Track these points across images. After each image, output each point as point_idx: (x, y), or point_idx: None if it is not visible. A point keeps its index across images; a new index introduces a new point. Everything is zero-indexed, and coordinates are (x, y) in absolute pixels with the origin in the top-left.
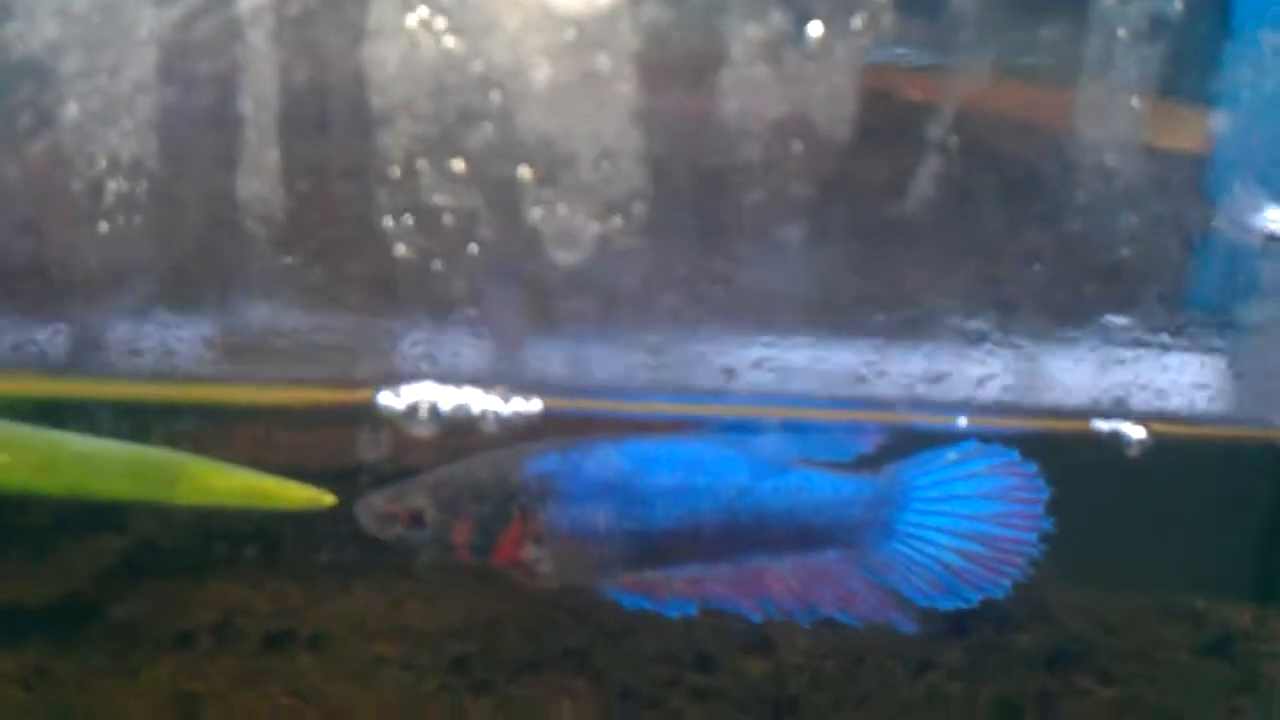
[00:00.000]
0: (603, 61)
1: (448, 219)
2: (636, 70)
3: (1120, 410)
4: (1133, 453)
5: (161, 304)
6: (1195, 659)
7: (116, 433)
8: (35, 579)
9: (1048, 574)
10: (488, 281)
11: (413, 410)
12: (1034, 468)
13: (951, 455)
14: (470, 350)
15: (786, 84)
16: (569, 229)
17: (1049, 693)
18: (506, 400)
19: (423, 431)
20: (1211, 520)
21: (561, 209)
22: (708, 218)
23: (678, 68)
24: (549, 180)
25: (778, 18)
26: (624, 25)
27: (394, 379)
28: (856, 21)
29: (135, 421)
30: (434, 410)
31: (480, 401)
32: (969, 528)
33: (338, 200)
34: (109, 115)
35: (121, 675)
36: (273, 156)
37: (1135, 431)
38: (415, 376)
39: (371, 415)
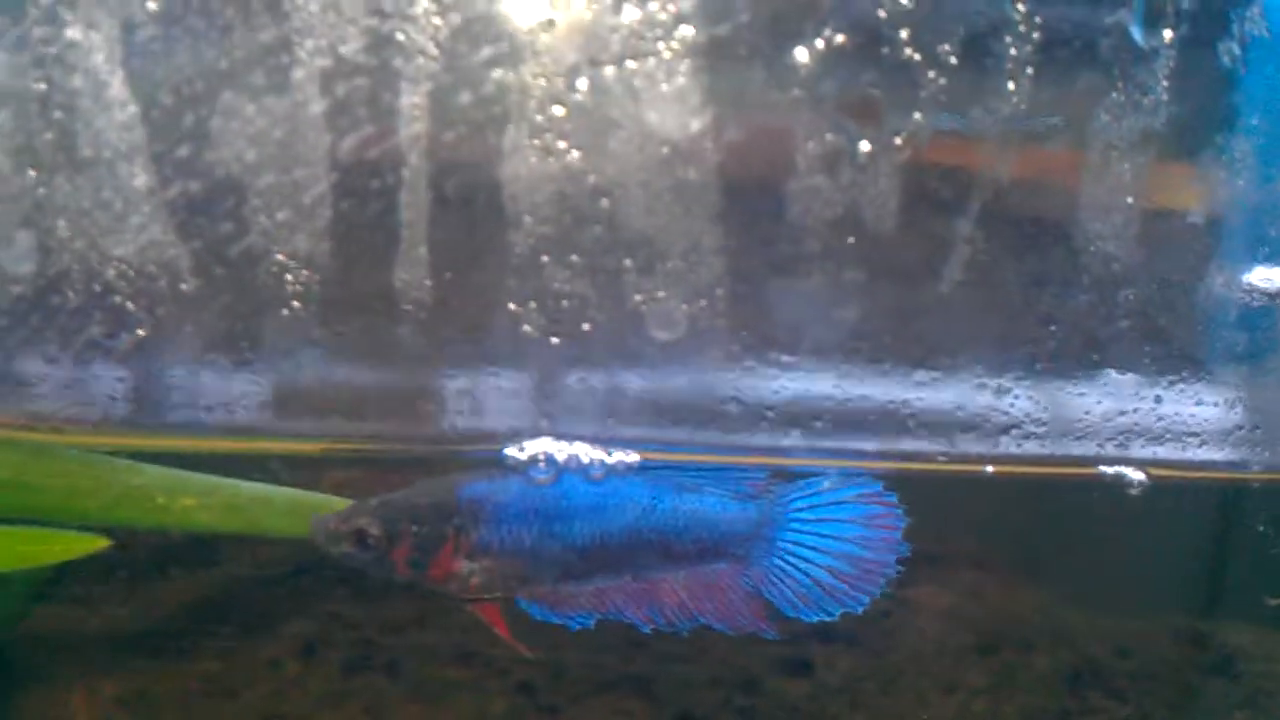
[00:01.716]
0: (691, 174)
1: (565, 303)
2: (717, 179)
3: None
4: (1135, 493)
5: (333, 370)
6: (1201, 677)
7: (286, 480)
8: (136, 608)
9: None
10: (599, 354)
11: (533, 460)
12: (895, 497)
13: (826, 484)
14: (581, 410)
15: (840, 191)
16: (664, 311)
17: (1068, 710)
18: (610, 453)
19: (541, 479)
20: (1209, 551)
21: (659, 294)
22: (775, 299)
23: (750, 175)
24: (647, 270)
25: (830, 139)
26: (708, 144)
27: (519, 435)
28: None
29: (305, 471)
30: (550, 460)
31: (589, 453)
32: (837, 548)
33: (477, 287)
34: (293, 222)
35: (217, 698)
36: (423, 252)
37: (1136, 475)
38: (536, 433)
39: (500, 465)
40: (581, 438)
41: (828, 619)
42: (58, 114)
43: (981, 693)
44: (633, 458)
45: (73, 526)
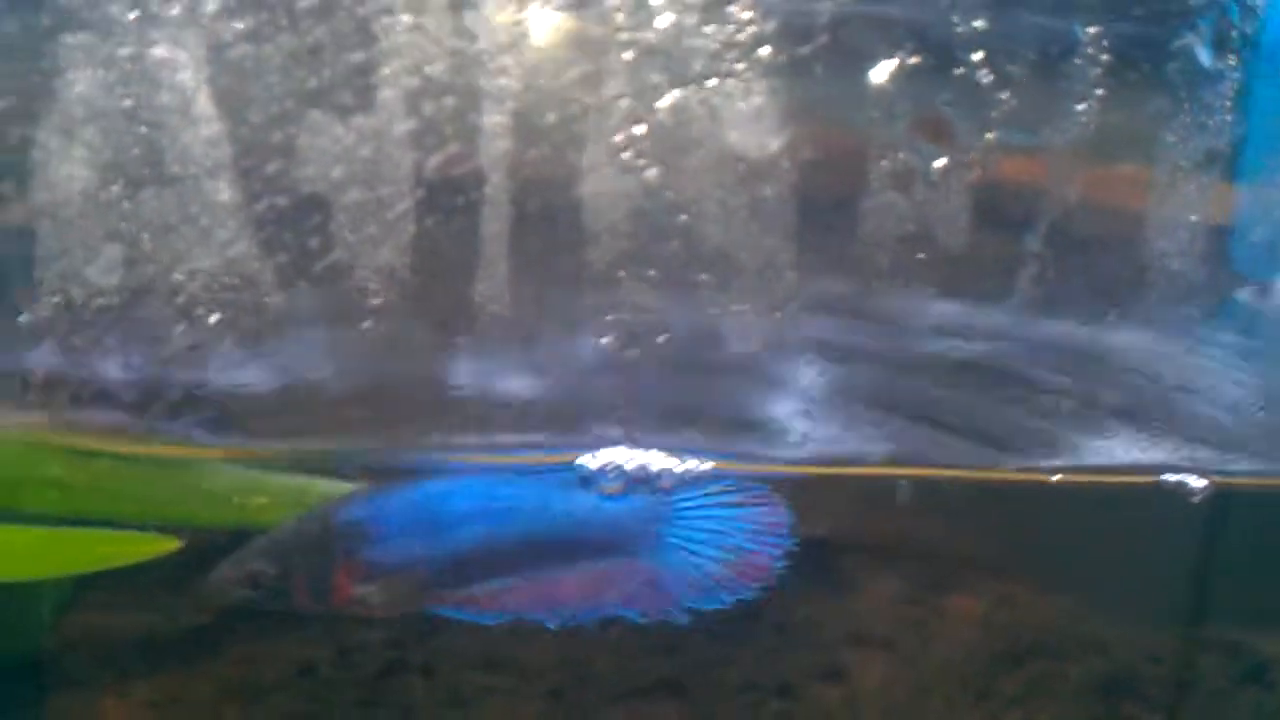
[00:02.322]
0: (767, 190)
1: (643, 316)
2: (793, 196)
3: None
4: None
5: (411, 380)
6: (1234, 687)
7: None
8: (165, 613)
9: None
10: (673, 366)
11: (603, 469)
12: (779, 500)
13: (715, 487)
14: (656, 419)
15: (913, 207)
16: (740, 324)
17: (1100, 719)
18: (682, 461)
19: (611, 487)
20: (1243, 559)
21: (734, 308)
22: (852, 314)
23: (826, 191)
24: (723, 285)
25: (903, 157)
26: (784, 162)
27: (593, 444)
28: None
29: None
30: (619, 470)
31: (660, 462)
32: (725, 543)
33: (557, 301)
34: (376, 238)
35: (248, 701)
36: (506, 267)
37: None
38: (609, 442)
39: (571, 474)
40: (654, 446)
41: (720, 608)
42: (143, 130)
43: (1015, 701)
44: (705, 466)
45: (149, 528)
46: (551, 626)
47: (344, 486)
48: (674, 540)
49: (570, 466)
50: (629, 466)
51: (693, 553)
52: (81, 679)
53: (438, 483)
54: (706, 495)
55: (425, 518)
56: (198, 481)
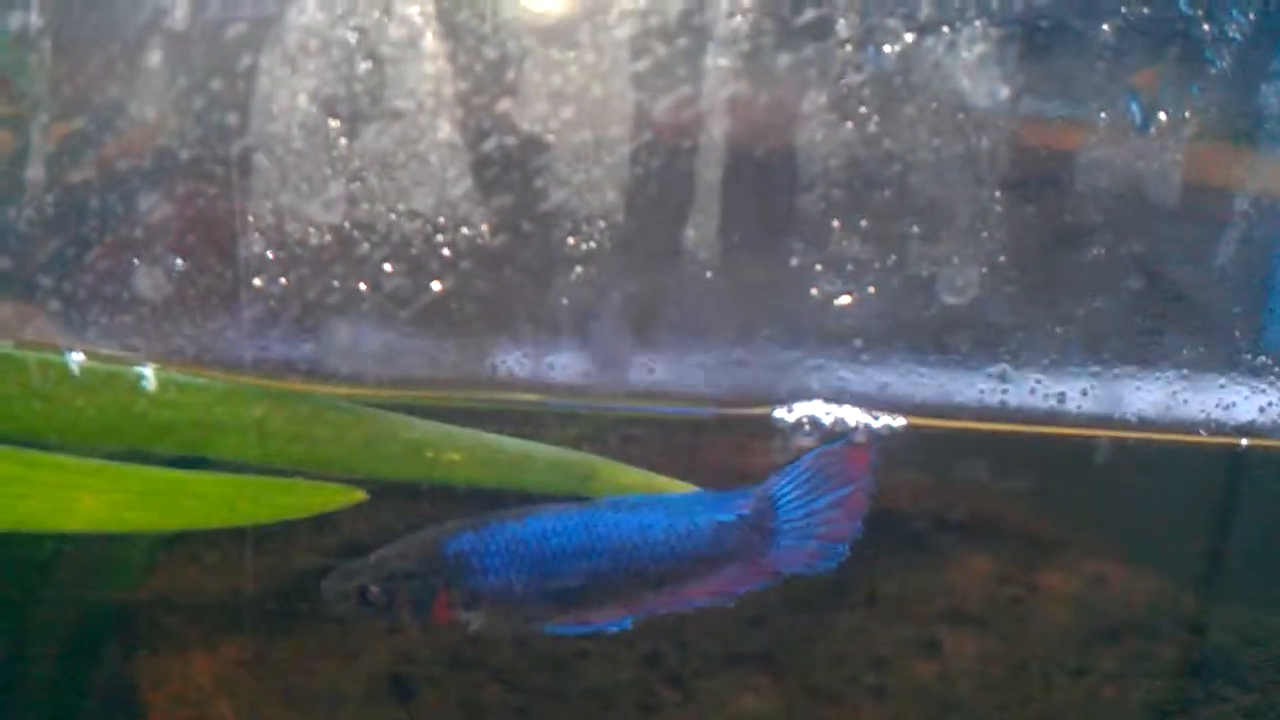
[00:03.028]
0: (982, 143)
1: (850, 267)
2: (1006, 149)
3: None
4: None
5: (615, 328)
6: None
7: (564, 439)
8: (255, 571)
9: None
10: (880, 318)
11: (799, 424)
12: (853, 439)
13: (802, 465)
14: (857, 374)
15: (1126, 163)
16: (952, 276)
17: (1193, 698)
18: (876, 418)
19: (806, 442)
20: None
21: (950, 259)
22: (1057, 269)
23: (1029, 149)
24: (932, 237)
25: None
26: (1000, 116)
27: (790, 397)
28: None
29: (580, 428)
30: (816, 424)
31: (856, 418)
32: (825, 501)
33: (765, 251)
34: (594, 181)
35: (337, 660)
36: (716, 215)
37: None
38: (807, 395)
39: (767, 427)
40: (851, 401)
41: (836, 562)
42: (367, 65)
43: (1109, 678)
44: (899, 422)
45: (337, 479)
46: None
47: (537, 446)
48: (782, 531)
49: (772, 421)
50: (826, 420)
51: (804, 530)
52: (173, 636)
53: (540, 519)
54: (797, 476)
55: (527, 553)
56: (393, 432)
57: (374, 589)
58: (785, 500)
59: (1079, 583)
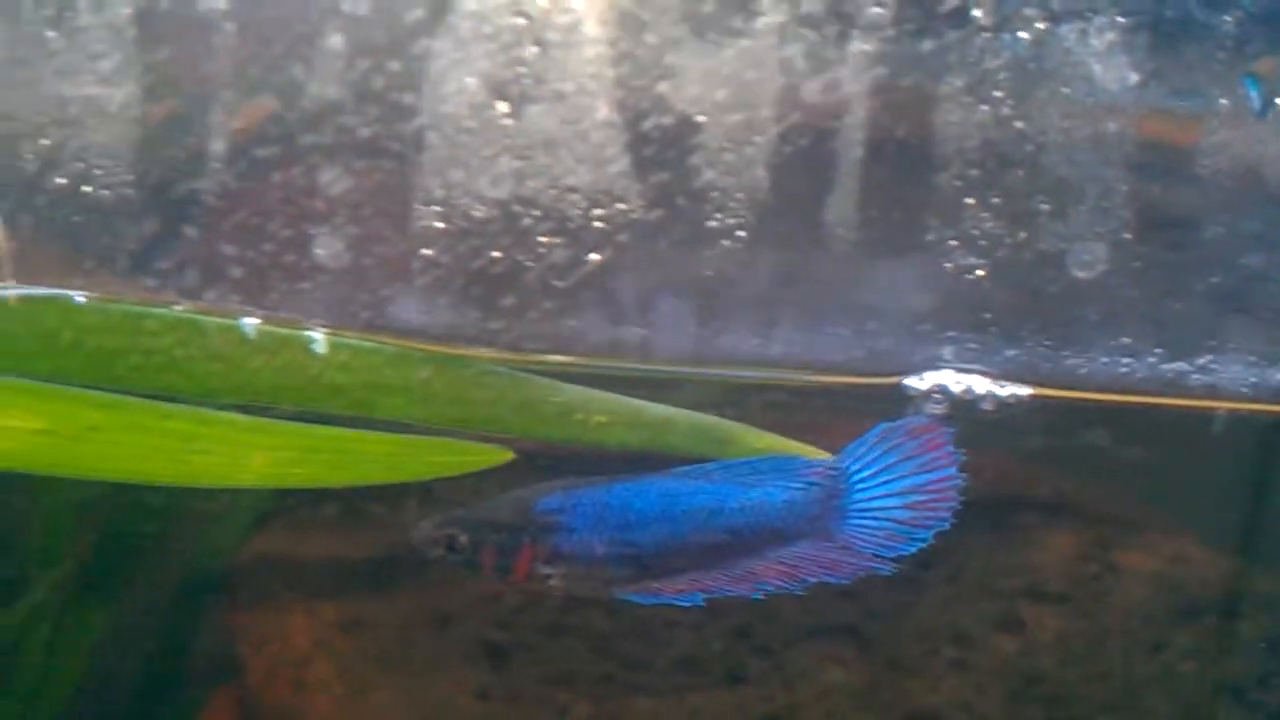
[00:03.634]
0: (1109, 126)
1: (983, 242)
2: (1132, 132)
3: None
4: None
5: (757, 305)
6: None
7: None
8: (352, 538)
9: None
10: (1006, 291)
11: (928, 393)
12: (932, 419)
13: (872, 439)
14: (986, 345)
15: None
16: (1080, 252)
17: (1271, 674)
18: (1003, 386)
19: (935, 409)
20: None
21: (1078, 236)
22: (1170, 240)
23: (1153, 132)
24: (1061, 214)
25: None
26: (1129, 101)
27: (921, 366)
28: None
29: (719, 394)
30: (945, 392)
31: (983, 386)
32: (904, 484)
33: (902, 226)
34: (742, 161)
35: (434, 626)
36: (856, 192)
37: None
38: (938, 365)
39: (898, 395)
40: (981, 371)
41: (921, 546)
42: (533, 49)
43: (1188, 655)
44: (1025, 392)
45: (493, 440)
46: (757, 597)
47: (678, 411)
48: (855, 508)
49: (902, 389)
50: (955, 389)
51: (877, 510)
52: (272, 598)
53: (624, 485)
54: (872, 449)
55: (609, 516)
56: (545, 396)
57: (462, 538)
58: (858, 475)
59: (1158, 561)
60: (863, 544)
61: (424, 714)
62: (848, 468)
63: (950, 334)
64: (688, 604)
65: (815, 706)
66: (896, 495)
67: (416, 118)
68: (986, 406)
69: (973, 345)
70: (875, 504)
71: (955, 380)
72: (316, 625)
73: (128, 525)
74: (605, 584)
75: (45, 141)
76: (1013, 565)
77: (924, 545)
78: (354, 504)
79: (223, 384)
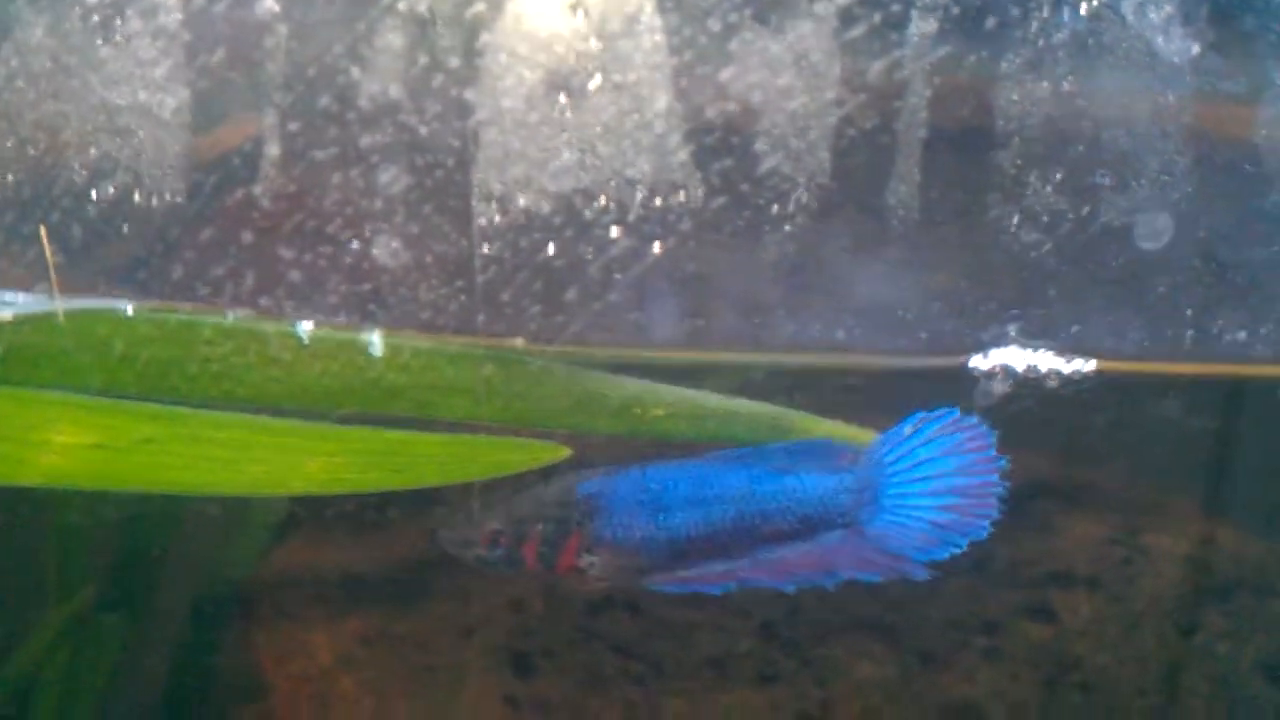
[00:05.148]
0: (1169, 99)
1: (1045, 217)
2: (1191, 105)
3: None
4: None
5: (809, 287)
6: None
7: (766, 394)
8: (371, 550)
9: None
10: (1064, 266)
11: (993, 371)
12: (975, 418)
13: (907, 429)
14: (1051, 321)
15: None
16: (1140, 225)
17: None
18: (1069, 360)
19: (999, 387)
20: None
21: (1139, 210)
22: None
23: (1212, 104)
24: (1121, 189)
25: None
26: (1187, 77)
27: (988, 344)
28: None
29: (775, 384)
30: (1009, 370)
31: (1048, 363)
32: (942, 485)
33: (965, 204)
34: (803, 145)
35: (456, 637)
36: (918, 171)
37: None
38: (1003, 342)
39: (963, 374)
40: (1045, 347)
41: (957, 551)
42: (593, 43)
43: (1222, 635)
44: (1089, 366)
45: (554, 436)
46: (791, 590)
47: (739, 401)
48: (891, 502)
49: (966, 368)
50: (1019, 367)
51: (913, 507)
52: (292, 612)
53: (660, 468)
54: (906, 442)
55: (645, 499)
56: (601, 389)
57: (507, 533)
58: (893, 467)
59: (1188, 544)
60: (895, 544)
61: None
62: (882, 456)
63: (1014, 311)
64: (719, 592)
65: (849, 702)
66: (931, 495)
67: (474, 114)
68: (1053, 382)
69: (1037, 321)
70: (910, 502)
71: (1020, 358)
72: (339, 639)
73: (145, 542)
74: (640, 572)
75: (93, 151)
76: (1039, 552)
77: (959, 552)
78: (368, 514)
79: (282, 390)
